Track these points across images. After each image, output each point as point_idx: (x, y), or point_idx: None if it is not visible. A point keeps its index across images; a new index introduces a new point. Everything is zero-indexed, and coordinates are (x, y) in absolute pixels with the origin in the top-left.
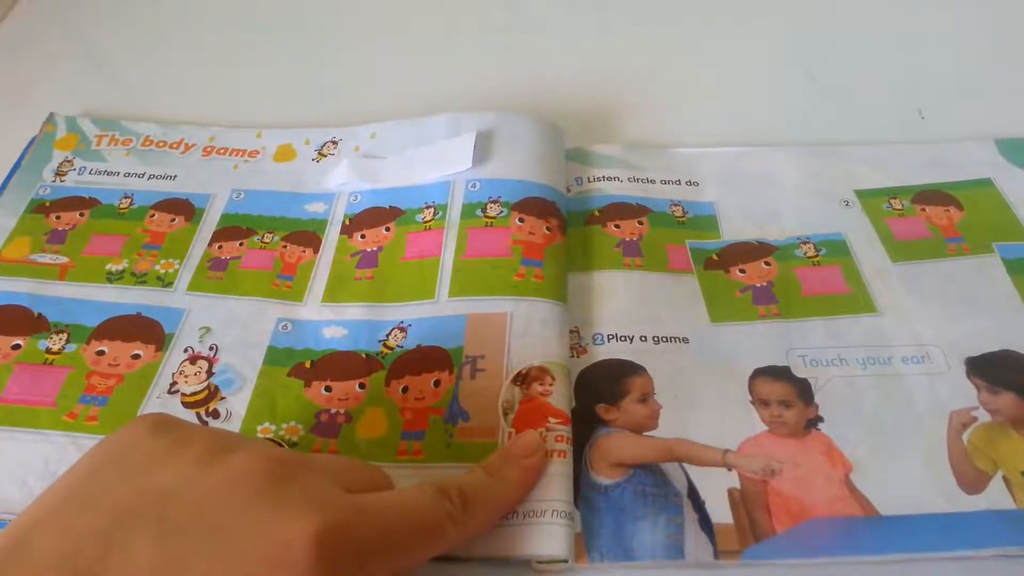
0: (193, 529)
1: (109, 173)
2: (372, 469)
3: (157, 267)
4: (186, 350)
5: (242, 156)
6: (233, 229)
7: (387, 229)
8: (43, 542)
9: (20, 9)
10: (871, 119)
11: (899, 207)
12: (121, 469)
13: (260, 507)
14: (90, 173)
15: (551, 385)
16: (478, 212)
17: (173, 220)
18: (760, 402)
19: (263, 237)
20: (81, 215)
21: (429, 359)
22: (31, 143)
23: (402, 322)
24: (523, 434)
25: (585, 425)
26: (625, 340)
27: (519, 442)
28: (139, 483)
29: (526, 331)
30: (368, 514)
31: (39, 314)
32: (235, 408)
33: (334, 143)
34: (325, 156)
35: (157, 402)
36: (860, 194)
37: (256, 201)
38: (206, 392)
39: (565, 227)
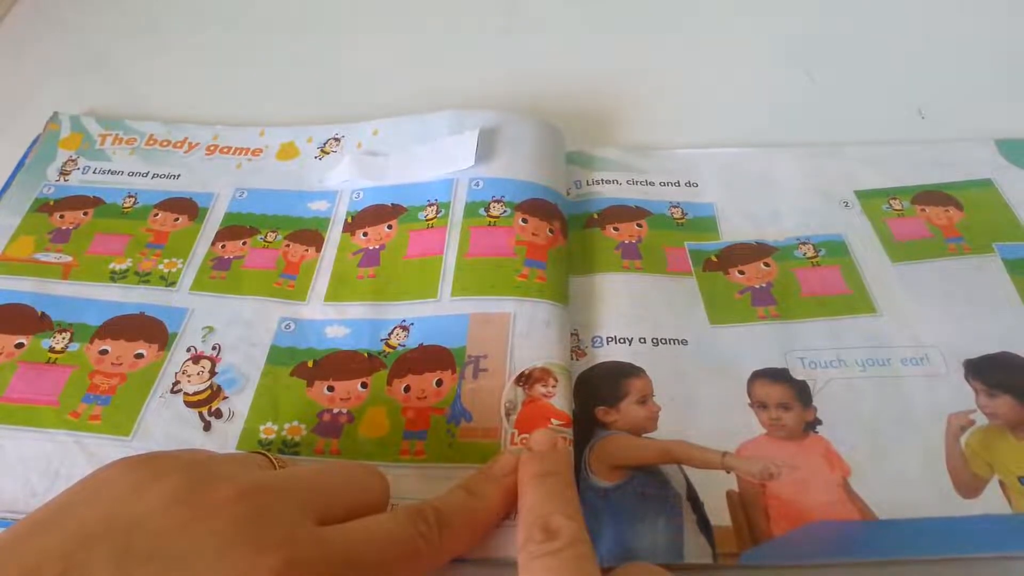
0: (155, 558)
1: (113, 172)
2: (358, 487)
3: (160, 266)
4: (189, 349)
5: (245, 155)
6: (236, 228)
7: (389, 227)
8: (5, 560)
9: (20, 8)
10: (871, 119)
11: (899, 207)
12: (94, 500)
13: (223, 542)
14: (94, 172)
15: (554, 387)
16: (481, 211)
17: (176, 219)
18: (759, 405)
19: (266, 236)
20: (85, 214)
21: (431, 358)
22: (35, 142)
23: (404, 321)
24: (502, 453)
25: (584, 428)
26: (624, 342)
27: (499, 461)
28: (108, 512)
29: (529, 332)
30: (333, 547)
31: (42, 313)
32: (238, 408)
33: (336, 140)
34: (328, 153)
35: (160, 401)
36: (860, 194)
37: (259, 200)
38: (209, 392)
39: (567, 230)
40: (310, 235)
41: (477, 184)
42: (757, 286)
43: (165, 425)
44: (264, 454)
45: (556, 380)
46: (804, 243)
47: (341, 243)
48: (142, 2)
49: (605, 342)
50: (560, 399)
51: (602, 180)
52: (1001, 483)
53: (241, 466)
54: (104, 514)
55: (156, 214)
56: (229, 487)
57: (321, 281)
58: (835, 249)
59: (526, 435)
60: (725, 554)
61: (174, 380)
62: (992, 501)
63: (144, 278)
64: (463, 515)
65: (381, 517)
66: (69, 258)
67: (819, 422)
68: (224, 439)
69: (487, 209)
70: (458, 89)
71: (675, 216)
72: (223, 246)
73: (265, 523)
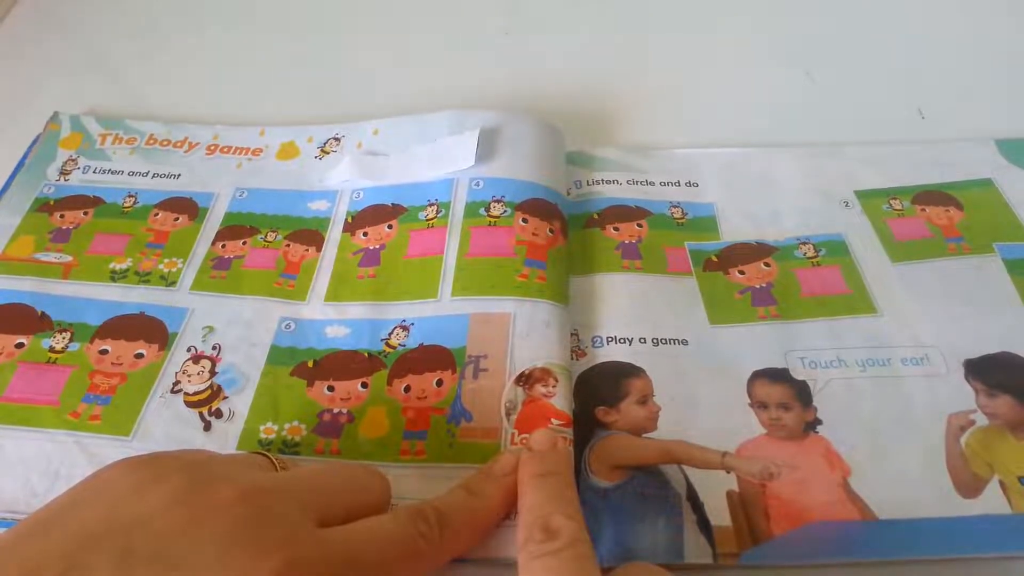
0: (155, 559)
1: (113, 172)
2: (358, 488)
3: (160, 266)
4: (189, 349)
5: (245, 154)
6: (236, 228)
7: (389, 227)
8: (6, 561)
9: (20, 8)
10: (871, 119)
11: (899, 207)
12: (95, 501)
13: (224, 544)
14: (94, 172)
15: (554, 387)
16: (481, 211)
17: (177, 219)
18: (759, 405)
19: (266, 236)
20: (85, 214)
21: (432, 358)
22: (35, 142)
23: (404, 321)
24: (503, 453)
25: (584, 428)
26: (624, 342)
27: (499, 461)
28: (109, 513)
29: (529, 332)
30: (334, 547)
31: (42, 313)
32: (238, 408)
33: (336, 140)
34: (328, 153)
35: (160, 401)
36: (860, 194)
37: (259, 199)
38: (209, 391)
39: (567, 230)
40: (310, 235)
41: (477, 184)
42: (757, 286)
43: (165, 425)
44: (265, 455)
45: (556, 380)
46: (804, 243)
47: (341, 243)
48: (142, 2)
49: (605, 342)
50: (560, 399)
51: (602, 180)
52: (1001, 483)
53: (242, 467)
54: (105, 515)
55: (156, 214)
56: (230, 488)
57: (321, 281)
58: (835, 249)
59: (526, 435)
60: (725, 554)
61: (174, 380)
62: (992, 501)
63: (144, 278)
64: (463, 515)
65: (382, 517)
66: (69, 258)
67: (819, 422)
68: (224, 439)
69: (487, 209)
70: (458, 89)
71: (675, 216)
72: (223, 246)
73: (266, 524)
